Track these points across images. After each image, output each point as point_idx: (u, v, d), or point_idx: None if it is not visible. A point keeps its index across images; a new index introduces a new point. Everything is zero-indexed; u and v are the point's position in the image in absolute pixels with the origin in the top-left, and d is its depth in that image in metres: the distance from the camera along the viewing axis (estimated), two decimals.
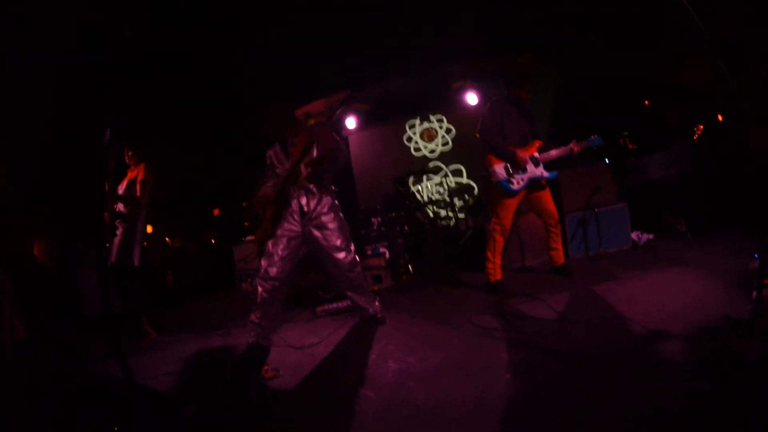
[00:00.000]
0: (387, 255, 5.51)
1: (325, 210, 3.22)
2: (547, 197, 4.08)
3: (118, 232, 4.11)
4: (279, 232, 3.15)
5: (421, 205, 5.92)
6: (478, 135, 4.06)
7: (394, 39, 6.81)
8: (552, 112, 7.74)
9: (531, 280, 4.25)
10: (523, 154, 3.94)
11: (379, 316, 3.56)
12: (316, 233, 3.20)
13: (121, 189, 4.29)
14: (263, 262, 3.12)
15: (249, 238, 6.71)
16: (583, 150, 4.04)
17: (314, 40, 6.55)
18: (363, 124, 8.89)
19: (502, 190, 3.96)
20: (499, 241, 4.05)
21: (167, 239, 5.36)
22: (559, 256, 4.22)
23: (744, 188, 2.88)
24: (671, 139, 6.43)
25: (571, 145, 4.00)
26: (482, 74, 8.18)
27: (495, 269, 4.07)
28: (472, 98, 8.05)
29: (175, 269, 5.28)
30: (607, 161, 5.33)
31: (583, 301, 3.26)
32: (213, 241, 7.08)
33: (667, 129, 7.19)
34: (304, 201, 3.19)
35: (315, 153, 3.16)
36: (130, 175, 4.38)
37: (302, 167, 3.15)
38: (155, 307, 4.94)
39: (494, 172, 4.00)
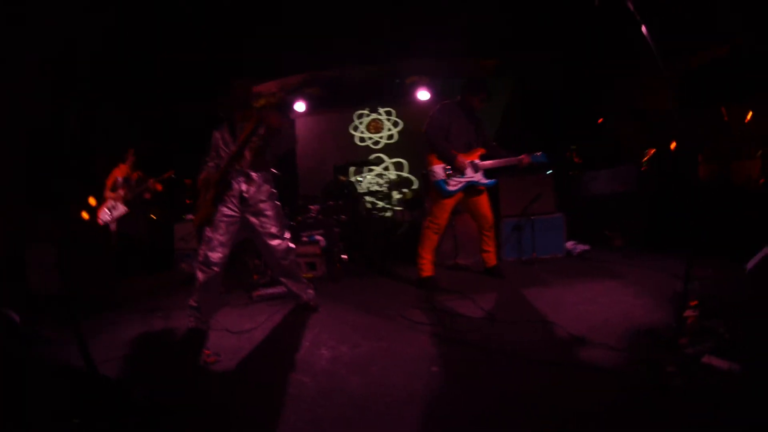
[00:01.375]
0: (322, 243, 5.65)
1: (263, 197, 3.32)
2: (483, 202, 4.32)
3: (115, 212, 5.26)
4: (218, 216, 3.22)
5: (360, 196, 6.09)
6: (423, 131, 4.22)
7: (355, 26, 6.88)
8: (503, 118, 8.12)
9: (462, 279, 4.56)
10: (463, 158, 4.12)
11: (312, 303, 3.73)
12: (253, 220, 3.30)
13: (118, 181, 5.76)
14: (203, 248, 3.19)
15: (190, 216, 6.61)
16: (529, 165, 4.22)
17: (274, 19, 6.50)
18: (312, 109, 8.86)
19: (439, 190, 4.17)
20: (433, 239, 4.28)
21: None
22: (491, 258, 4.50)
23: (684, 213, 3.26)
24: (619, 158, 6.92)
25: (522, 156, 4.16)
26: (439, 72, 8.44)
27: (427, 265, 4.29)
28: (423, 95, 8.27)
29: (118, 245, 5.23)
30: (549, 173, 5.62)
31: (511, 302, 3.52)
32: (153, 217, 6.90)
33: (617, 148, 7.69)
34: (244, 187, 3.26)
35: (259, 136, 3.24)
36: (127, 172, 5.64)
37: (246, 152, 3.23)
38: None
39: (433, 171, 4.20)
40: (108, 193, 6.01)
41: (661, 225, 5.25)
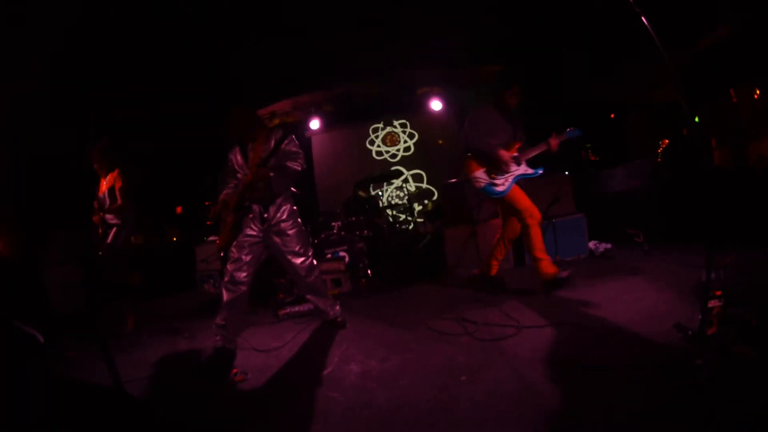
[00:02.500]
0: (347, 259, 5.65)
1: (284, 216, 3.34)
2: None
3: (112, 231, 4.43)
4: (241, 238, 3.25)
5: (381, 210, 6.08)
6: (462, 139, 4.05)
7: (363, 41, 6.97)
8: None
9: (485, 286, 4.45)
10: (505, 153, 3.90)
11: (339, 319, 3.69)
12: (276, 239, 3.33)
13: (103, 196, 4.51)
14: (229, 267, 3.20)
15: (211, 238, 6.68)
16: (562, 144, 3.99)
17: (284, 40, 6.62)
18: (326, 126, 8.98)
19: (489, 194, 3.96)
20: (538, 232, 3.87)
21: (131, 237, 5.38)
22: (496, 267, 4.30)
23: (703, 203, 3.14)
24: (634, 152, 6.81)
25: (549, 139, 3.96)
26: (449, 82, 8.46)
27: (547, 263, 3.86)
28: (436, 105, 8.31)
29: (139, 268, 5.24)
30: (566, 173, 5.56)
31: (537, 307, 3.43)
32: (174, 240, 7.01)
33: (631, 143, 7.58)
34: (264, 208, 3.31)
35: (274, 162, 3.27)
36: (105, 182, 4.50)
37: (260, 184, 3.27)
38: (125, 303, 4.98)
39: (476, 179, 4.00)
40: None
41: (680, 217, 5.11)
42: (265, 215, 3.30)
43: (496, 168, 3.92)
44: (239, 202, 3.26)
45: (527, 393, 2.07)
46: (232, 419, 2.29)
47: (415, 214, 7.89)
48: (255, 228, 3.29)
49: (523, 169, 3.98)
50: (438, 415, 1.99)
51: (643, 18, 2.22)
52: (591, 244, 5.29)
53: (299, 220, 3.48)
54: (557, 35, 7.04)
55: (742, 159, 6.12)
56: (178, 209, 5.95)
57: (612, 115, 8.12)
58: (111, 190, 4.43)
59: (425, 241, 6.70)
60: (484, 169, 3.98)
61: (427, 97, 8.47)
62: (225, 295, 3.15)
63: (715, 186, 4.98)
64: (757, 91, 6.19)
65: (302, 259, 3.39)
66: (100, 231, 4.44)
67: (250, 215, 3.29)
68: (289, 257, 3.36)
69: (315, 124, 8.80)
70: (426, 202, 7.94)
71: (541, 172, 4.05)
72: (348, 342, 3.29)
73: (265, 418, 2.25)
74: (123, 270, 4.52)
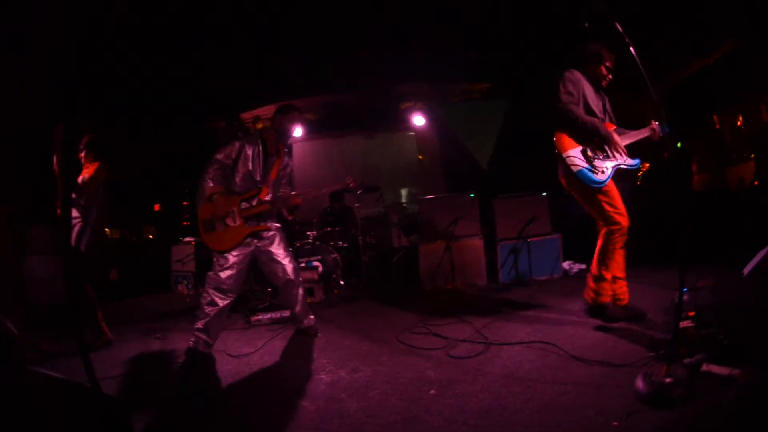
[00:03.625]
0: (320, 269, 5.69)
1: (270, 234, 3.48)
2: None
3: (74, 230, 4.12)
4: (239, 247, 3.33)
5: (358, 221, 6.14)
6: (557, 104, 3.22)
7: (350, 52, 7.08)
8: (498, 139, 8.26)
9: (459, 302, 4.59)
10: (616, 134, 3.17)
11: (312, 329, 3.75)
12: (265, 248, 3.42)
13: (78, 184, 4.30)
14: (222, 275, 3.23)
15: (187, 239, 6.62)
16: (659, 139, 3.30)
17: (270, 45, 6.68)
18: (308, 134, 9.02)
19: (586, 181, 3.12)
20: (621, 248, 3.20)
21: (106, 229, 5.23)
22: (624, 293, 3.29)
23: (678, 226, 3.14)
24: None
25: (653, 125, 3.28)
26: (434, 97, 8.63)
27: (607, 288, 3.19)
28: (419, 120, 8.44)
29: (115, 263, 5.15)
30: (544, 194, 5.67)
31: (509, 325, 3.54)
32: (151, 237, 6.92)
33: None
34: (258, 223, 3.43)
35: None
36: (85, 172, 4.37)
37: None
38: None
39: (570, 158, 3.17)
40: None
41: (657, 239, 5.27)
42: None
43: (596, 149, 3.20)
44: (245, 216, 3.37)
45: (495, 409, 2.14)
46: (203, 424, 2.31)
47: (391, 227, 7.95)
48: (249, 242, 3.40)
49: (622, 158, 3.20)
50: (407, 427, 2.05)
51: (631, 48, 2.25)
52: (565, 264, 5.44)
53: (283, 234, 3.62)
54: (543, 58, 7.24)
55: (723, 183, 6.36)
56: (156, 207, 5.89)
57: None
58: (86, 180, 4.33)
59: (399, 255, 6.79)
60: (580, 148, 3.19)
61: (410, 111, 8.61)
62: (214, 302, 3.18)
63: (693, 209, 5.16)
64: (740, 118, 6.45)
65: (289, 268, 3.51)
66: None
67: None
68: (276, 266, 3.46)
69: (297, 131, 8.80)
70: (402, 215, 8.01)
71: (639, 162, 3.32)
72: (319, 351, 3.33)
73: (236, 424, 2.28)
74: (99, 265, 4.47)
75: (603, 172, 3.12)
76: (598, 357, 2.57)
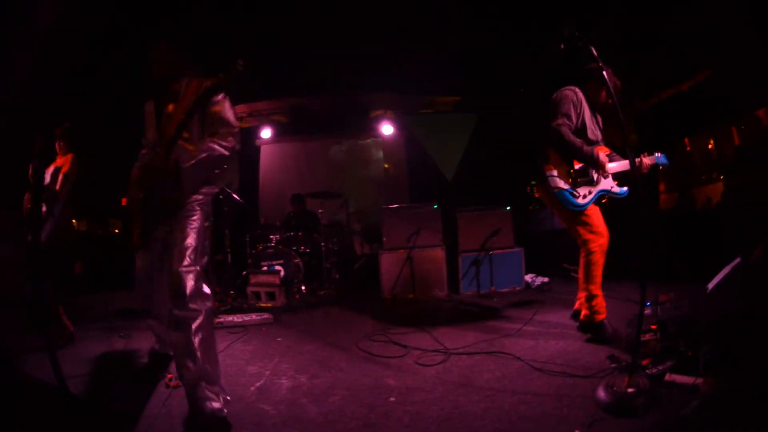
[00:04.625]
0: (282, 273, 5.73)
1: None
2: (600, 216, 3.31)
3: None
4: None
5: (320, 227, 6.20)
6: (553, 124, 3.16)
7: (323, 56, 7.12)
8: (465, 155, 8.41)
9: (419, 311, 4.69)
10: (604, 157, 3.17)
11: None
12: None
13: (47, 174, 4.15)
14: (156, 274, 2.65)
15: None
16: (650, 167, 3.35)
17: (240, 44, 6.66)
18: (277, 136, 8.99)
19: (564, 202, 3.19)
20: (601, 264, 3.22)
21: (72, 220, 5.08)
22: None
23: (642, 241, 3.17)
24: None
25: (642, 156, 3.30)
26: (403, 107, 8.81)
27: (601, 304, 3.21)
28: (387, 129, 8.56)
29: (81, 256, 4.99)
30: (508, 208, 5.77)
31: (468, 335, 3.62)
32: (117, 231, 6.75)
33: None
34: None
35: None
36: (58, 162, 4.28)
37: None
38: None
39: (551, 178, 3.22)
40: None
41: (621, 254, 5.45)
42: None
43: (583, 172, 3.22)
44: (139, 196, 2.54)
45: (455, 417, 2.22)
46: (164, 425, 2.32)
47: (354, 235, 8.01)
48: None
49: (610, 183, 3.26)
50: None
51: (604, 73, 2.34)
52: (528, 277, 5.57)
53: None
54: (514, 75, 7.44)
55: (690, 203, 6.67)
56: (123, 200, 5.73)
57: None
58: (57, 170, 4.22)
59: (361, 263, 6.89)
60: (564, 170, 3.24)
61: (379, 120, 8.73)
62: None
63: (660, 227, 5.39)
64: (711, 141, 6.80)
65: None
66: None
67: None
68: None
69: (266, 133, 8.79)
70: (364, 223, 8.09)
71: (627, 192, 3.36)
72: (280, 356, 3.38)
73: (196, 425, 2.30)
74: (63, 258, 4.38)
75: (584, 196, 3.17)
76: (559, 368, 2.64)
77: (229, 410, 2.38)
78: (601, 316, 3.18)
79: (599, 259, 3.18)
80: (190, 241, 2.34)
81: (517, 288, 5.52)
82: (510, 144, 7.86)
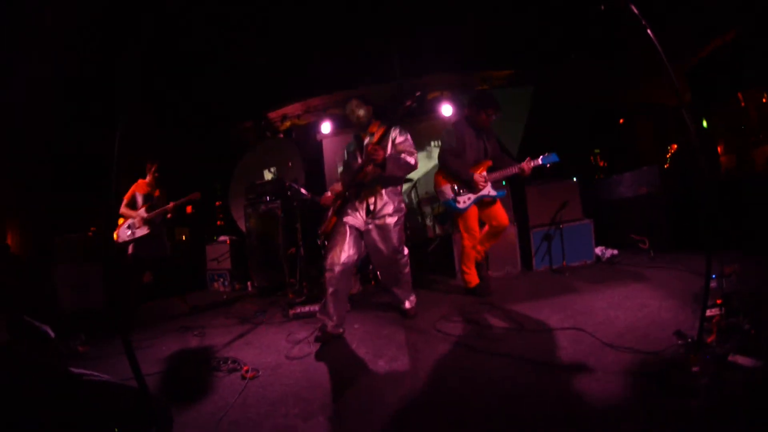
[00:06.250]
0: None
1: (390, 211, 3.54)
2: (497, 209, 4.33)
3: (138, 231, 5.10)
4: (343, 224, 3.51)
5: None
6: (439, 154, 4.31)
7: (375, 45, 7.03)
8: (526, 129, 8.11)
9: (494, 289, 4.46)
10: (479, 177, 4.15)
11: (411, 311, 3.85)
12: (376, 231, 3.52)
13: (141, 194, 5.28)
14: (330, 253, 3.41)
15: (222, 238, 6.74)
16: (537, 168, 4.05)
17: (296, 42, 6.70)
18: (337, 129, 9.01)
19: (450, 209, 4.33)
20: (471, 253, 4.33)
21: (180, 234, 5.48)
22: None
23: (706, 211, 3.05)
24: (642, 159, 6.74)
25: (522, 164, 4.02)
26: (460, 86, 8.49)
27: (472, 276, 4.38)
28: (447, 110, 8.27)
29: (149, 266, 5.29)
30: (575, 179, 5.56)
31: (542, 311, 3.46)
32: (184, 238, 7.07)
33: (640, 149, 7.52)
34: (372, 200, 3.54)
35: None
36: (148, 189, 5.27)
37: (369, 167, 3.46)
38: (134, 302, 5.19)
39: (441, 192, 4.35)
40: (124, 210, 5.28)
41: (687, 224, 5.12)
42: (372, 207, 3.54)
43: (461, 186, 4.23)
44: (346, 188, 3.56)
45: (530, 392, 2.16)
46: (237, 414, 2.33)
47: (425, 218, 7.88)
48: (359, 216, 3.55)
49: (486, 190, 4.21)
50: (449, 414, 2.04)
51: (648, 31, 2.20)
52: (597, 250, 5.29)
53: (403, 218, 3.66)
54: (566, 40, 7.07)
55: (749, 165, 6.04)
56: (188, 209, 5.97)
57: (621, 120, 8.05)
58: (150, 197, 5.19)
59: (435, 244, 6.72)
60: (450, 185, 4.27)
61: (437, 101, 8.47)
62: (328, 283, 3.33)
63: (721, 193, 4.93)
64: (765, 95, 6.10)
65: (399, 255, 3.64)
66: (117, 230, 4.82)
67: (356, 203, 3.55)
68: (386, 251, 3.55)
69: (326, 127, 8.83)
70: (434, 205, 7.93)
71: (503, 194, 4.29)
72: (359, 342, 3.33)
73: (275, 415, 2.28)
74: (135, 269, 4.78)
75: (464, 202, 4.22)
76: (628, 343, 2.54)
77: (310, 397, 2.37)
78: (474, 283, 4.36)
79: (470, 250, 4.33)
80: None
81: (588, 261, 5.23)
82: (568, 113, 7.60)
